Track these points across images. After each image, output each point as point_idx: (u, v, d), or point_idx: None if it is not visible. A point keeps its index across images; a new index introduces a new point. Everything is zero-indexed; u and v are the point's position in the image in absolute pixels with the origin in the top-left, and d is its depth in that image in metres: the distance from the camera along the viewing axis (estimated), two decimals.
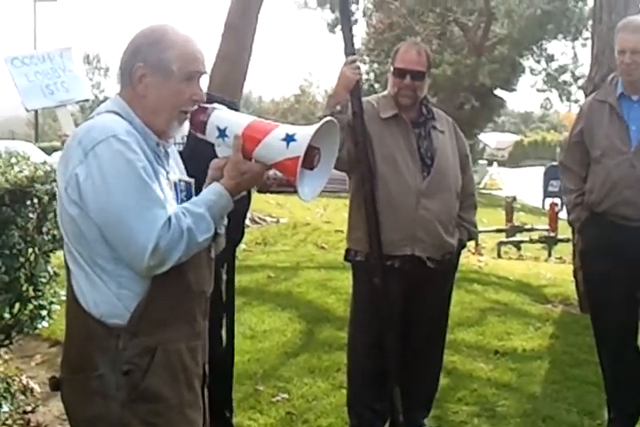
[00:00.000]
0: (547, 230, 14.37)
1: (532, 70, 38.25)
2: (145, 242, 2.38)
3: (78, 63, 5.45)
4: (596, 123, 4.63)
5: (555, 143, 58.24)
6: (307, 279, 8.78)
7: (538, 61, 38.03)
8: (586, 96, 6.92)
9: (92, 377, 2.51)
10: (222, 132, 2.60)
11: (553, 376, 5.86)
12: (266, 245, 12.17)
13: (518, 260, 13.11)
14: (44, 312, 4.89)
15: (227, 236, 2.83)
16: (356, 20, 34.97)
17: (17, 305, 4.73)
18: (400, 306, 4.38)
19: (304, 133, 2.48)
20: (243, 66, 12.22)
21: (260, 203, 14.95)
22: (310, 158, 2.52)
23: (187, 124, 2.68)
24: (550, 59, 37.93)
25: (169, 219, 2.41)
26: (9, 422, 4.73)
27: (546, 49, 37.58)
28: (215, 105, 2.69)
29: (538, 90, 40.14)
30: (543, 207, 20.86)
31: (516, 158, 63.96)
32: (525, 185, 31.83)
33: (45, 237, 4.74)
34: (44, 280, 4.80)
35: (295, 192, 2.56)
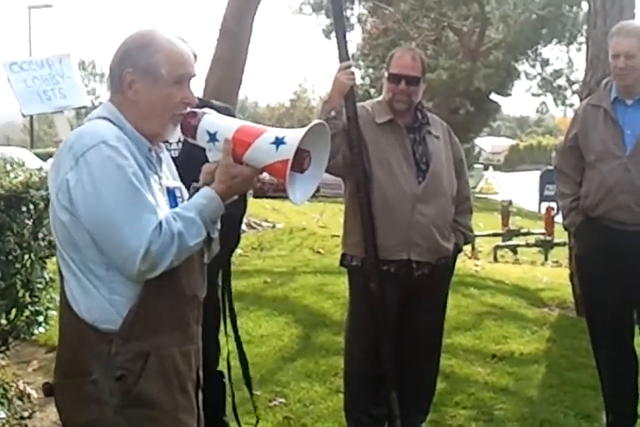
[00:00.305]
0: (543, 234, 14.38)
1: (527, 75, 38.31)
2: (136, 247, 2.38)
3: (76, 70, 5.46)
4: (590, 127, 4.64)
5: (550, 147, 58.23)
6: (303, 284, 8.76)
7: (533, 66, 38.10)
8: (581, 101, 6.92)
9: (86, 383, 2.51)
10: (213, 137, 2.60)
11: (550, 380, 5.86)
12: (262, 250, 12.16)
13: (515, 264, 13.10)
14: (40, 318, 4.90)
15: (221, 241, 2.83)
16: (352, 26, 35.02)
17: (13, 311, 4.74)
18: (396, 311, 4.38)
19: (293, 136, 2.49)
20: (238, 71, 12.22)
21: (257, 208, 14.95)
22: (300, 161, 2.53)
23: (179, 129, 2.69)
24: (545, 63, 38.01)
25: (160, 223, 2.42)
26: None
27: (541, 54, 37.67)
28: (205, 109, 2.69)
29: (533, 94, 40.20)
30: (539, 211, 20.88)
31: (512, 163, 63.92)
32: (521, 189, 31.87)
33: (41, 243, 4.74)
34: (40, 286, 4.81)
35: None
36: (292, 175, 2.51)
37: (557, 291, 8.82)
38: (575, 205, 4.71)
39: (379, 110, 4.43)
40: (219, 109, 3.76)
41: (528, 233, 15.08)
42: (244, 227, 11.96)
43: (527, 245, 14.44)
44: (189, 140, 2.68)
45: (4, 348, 4.95)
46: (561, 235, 12.45)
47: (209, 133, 2.61)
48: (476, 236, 13.55)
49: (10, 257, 4.55)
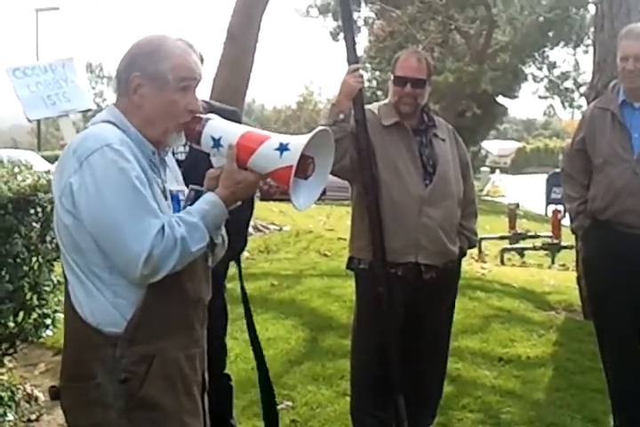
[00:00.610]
0: (550, 237, 14.34)
1: (534, 77, 38.32)
2: (138, 251, 2.39)
3: (80, 73, 5.48)
4: (598, 130, 4.64)
5: (557, 150, 58.20)
6: (310, 287, 8.77)
7: (540, 68, 38.09)
8: (588, 103, 6.92)
9: (90, 386, 2.52)
10: (217, 142, 2.60)
11: (557, 383, 5.85)
12: (269, 253, 12.16)
13: (521, 267, 13.08)
14: (48, 321, 4.90)
15: (227, 244, 2.84)
16: (359, 29, 35.01)
17: (21, 314, 4.74)
18: (403, 314, 4.37)
19: (297, 143, 2.49)
20: (245, 74, 12.23)
21: (263, 211, 14.95)
22: (304, 168, 2.53)
23: None
24: (552, 66, 37.98)
25: (162, 228, 2.42)
26: None
27: (548, 56, 37.66)
28: (209, 115, 2.70)
29: (540, 97, 40.21)
30: (546, 214, 20.79)
31: (519, 165, 63.90)
32: (528, 192, 31.79)
33: (49, 246, 4.75)
34: (47, 289, 4.82)
35: None
36: (296, 181, 2.52)
37: (564, 294, 8.81)
38: (583, 208, 4.70)
39: (385, 113, 4.43)
40: (225, 112, 3.79)
41: (535, 236, 15.04)
42: (250, 230, 11.95)
43: (534, 248, 14.41)
44: (194, 145, 2.69)
45: (11, 350, 4.95)
46: (568, 238, 12.43)
47: (213, 139, 2.61)
48: (483, 239, 13.57)
49: (17, 260, 4.56)
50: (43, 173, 4.85)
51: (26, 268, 4.66)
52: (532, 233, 15.31)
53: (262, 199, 16.82)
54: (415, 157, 4.36)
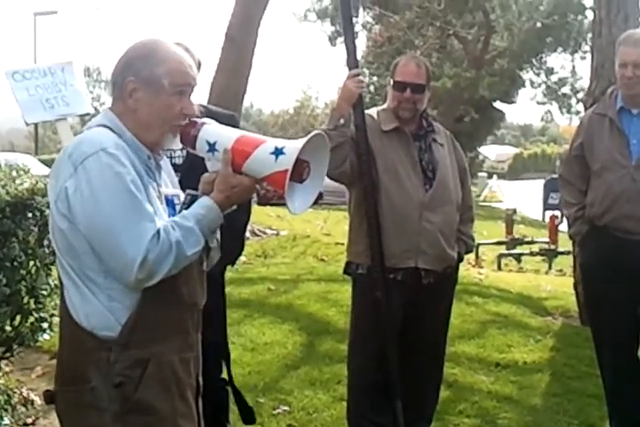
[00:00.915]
0: (547, 243, 14.35)
1: (531, 83, 38.33)
2: (133, 255, 2.39)
3: (78, 76, 5.48)
4: (596, 136, 4.64)
5: (555, 156, 58.24)
6: (307, 292, 8.77)
7: (537, 74, 38.10)
8: (586, 109, 6.92)
9: (85, 390, 2.51)
10: (212, 147, 2.60)
11: (554, 389, 5.85)
12: (266, 258, 12.16)
13: (519, 272, 13.10)
14: (45, 325, 4.90)
15: (224, 249, 2.83)
16: (356, 34, 34.98)
17: (18, 317, 4.74)
18: (400, 319, 4.37)
19: (292, 147, 2.49)
20: (243, 78, 12.23)
21: (260, 215, 14.95)
22: (299, 172, 2.53)
23: None
24: (550, 72, 37.99)
25: (158, 232, 2.42)
26: None
27: (545, 62, 37.67)
28: (205, 119, 2.70)
29: (538, 102, 40.20)
30: (543, 220, 20.85)
31: (516, 171, 63.95)
32: (525, 197, 31.81)
33: (46, 250, 4.74)
34: (45, 293, 4.81)
35: None
36: (292, 185, 2.52)
37: (561, 300, 8.83)
38: (581, 214, 4.71)
39: (384, 118, 4.43)
40: (223, 117, 3.79)
41: (532, 242, 15.05)
42: (247, 234, 11.95)
43: (531, 254, 14.41)
44: (189, 150, 2.69)
45: (8, 354, 4.94)
46: (565, 243, 12.45)
47: (208, 143, 2.61)
48: (480, 244, 13.56)
49: (15, 263, 4.55)
50: (40, 177, 4.84)
51: (23, 271, 4.66)
52: (530, 239, 15.32)
53: (259, 204, 16.82)
54: (415, 162, 4.36)
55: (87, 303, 2.51)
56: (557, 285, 10.11)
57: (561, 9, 32.57)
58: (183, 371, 2.64)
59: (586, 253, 4.94)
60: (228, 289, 4.47)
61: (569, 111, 38.54)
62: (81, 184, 2.43)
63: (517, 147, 77.54)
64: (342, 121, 4.20)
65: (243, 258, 10.24)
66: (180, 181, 2.92)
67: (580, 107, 33.40)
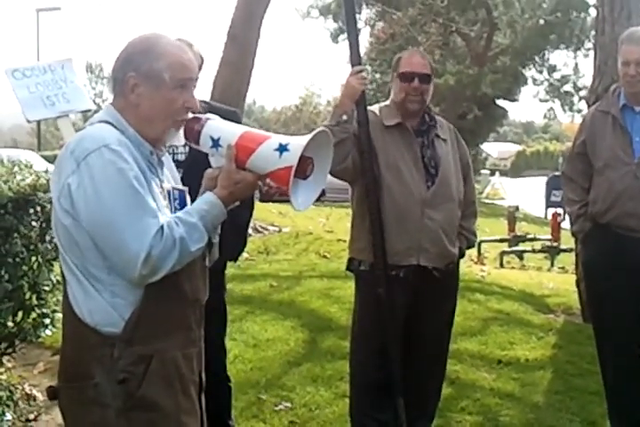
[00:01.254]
0: (549, 240, 14.35)
1: (534, 80, 38.29)
2: (137, 251, 2.39)
3: (80, 73, 5.47)
4: (598, 134, 4.63)
5: (557, 153, 58.24)
6: (309, 288, 8.77)
7: (540, 72, 38.07)
8: (588, 107, 6.91)
9: (88, 386, 2.52)
10: (216, 142, 2.60)
11: (556, 386, 5.84)
12: (268, 254, 12.15)
13: (521, 269, 13.08)
14: (47, 320, 4.90)
15: (227, 245, 2.83)
16: (359, 30, 34.94)
17: (20, 313, 4.74)
18: (403, 316, 4.37)
19: (297, 143, 2.49)
20: (245, 75, 12.24)
21: (263, 212, 14.94)
22: (303, 168, 2.53)
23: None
24: (552, 69, 37.98)
25: (161, 228, 2.42)
26: None
27: (548, 59, 37.66)
28: (209, 115, 2.70)
29: (540, 100, 40.18)
30: (545, 217, 20.85)
31: (519, 168, 64.03)
32: (528, 195, 31.84)
33: (48, 246, 4.75)
34: (47, 289, 4.81)
35: None
36: (295, 182, 2.52)
37: (563, 297, 8.82)
38: (583, 211, 4.70)
39: (387, 114, 4.41)
40: (225, 113, 3.79)
41: (534, 239, 15.05)
42: (250, 231, 11.94)
43: (533, 251, 14.41)
44: (192, 145, 2.69)
45: (10, 350, 4.95)
46: (567, 241, 12.46)
47: (212, 139, 2.61)
48: (483, 241, 13.57)
49: (17, 259, 4.56)
50: (42, 173, 4.84)
51: (25, 267, 4.66)
52: (532, 236, 15.33)
53: (262, 201, 16.80)
54: (417, 158, 4.34)
55: (90, 299, 2.51)
56: (560, 282, 10.10)
57: (564, 6, 32.53)
58: (186, 367, 2.64)
59: (588, 250, 4.94)
60: (230, 286, 4.48)
61: (571, 109, 38.56)
62: (84, 180, 2.42)
63: (520, 144, 77.65)
64: (345, 117, 4.18)
65: (245, 254, 10.24)
66: (183, 178, 2.91)
67: (583, 104, 33.46)
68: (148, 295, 2.50)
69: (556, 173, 18.56)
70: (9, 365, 5.51)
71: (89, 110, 5.56)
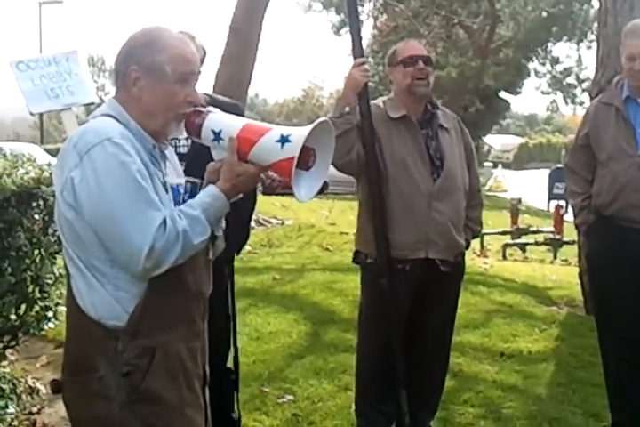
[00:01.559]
0: (552, 233, 14.36)
1: (536, 73, 38.27)
2: (140, 244, 2.39)
3: (83, 66, 5.46)
4: (602, 126, 4.62)
5: (560, 146, 58.23)
6: (312, 281, 8.78)
7: (543, 64, 38.04)
8: (591, 99, 6.90)
9: (93, 379, 2.52)
10: (217, 135, 2.60)
11: (558, 378, 5.85)
12: (271, 247, 12.17)
13: (524, 262, 13.09)
14: (49, 313, 4.91)
15: (230, 238, 2.83)
16: (361, 22, 34.91)
17: (23, 306, 4.75)
18: (408, 308, 4.37)
19: (298, 134, 2.48)
20: (247, 68, 12.23)
21: (266, 205, 14.96)
22: (306, 159, 2.53)
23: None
24: (555, 61, 37.93)
25: (164, 221, 2.42)
26: (15, 423, 4.74)
27: (551, 51, 37.63)
28: (210, 108, 2.69)
29: (543, 92, 40.16)
30: (548, 209, 20.86)
31: (521, 161, 64.01)
32: (530, 187, 31.83)
33: (51, 239, 4.75)
34: (49, 282, 4.82)
35: None
36: (298, 173, 2.51)
37: (566, 289, 8.83)
38: (587, 203, 4.69)
39: (391, 106, 4.39)
40: (227, 106, 3.79)
41: (537, 231, 15.06)
42: (252, 224, 11.97)
43: (536, 244, 14.42)
44: (194, 139, 2.68)
45: (13, 343, 4.95)
46: (570, 233, 12.46)
47: (213, 132, 2.60)
48: (485, 234, 13.57)
49: (20, 252, 4.56)
50: (45, 166, 4.84)
51: (28, 260, 4.66)
52: (534, 228, 15.34)
53: (264, 193, 16.80)
54: (423, 151, 4.32)
55: (94, 293, 2.51)
56: (562, 274, 10.11)
57: None
58: (190, 360, 2.65)
59: (592, 242, 4.93)
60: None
61: (574, 101, 38.52)
62: (87, 174, 2.42)
63: (522, 137, 77.58)
64: (347, 109, 4.17)
65: (248, 247, 10.25)
66: (185, 170, 2.91)
67: (586, 96, 33.33)
68: (152, 288, 2.50)
69: (559, 166, 18.56)
70: (12, 358, 5.52)
71: (92, 103, 5.55)
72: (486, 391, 5.49)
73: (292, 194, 2.54)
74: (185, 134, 2.72)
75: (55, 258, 4.83)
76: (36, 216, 4.65)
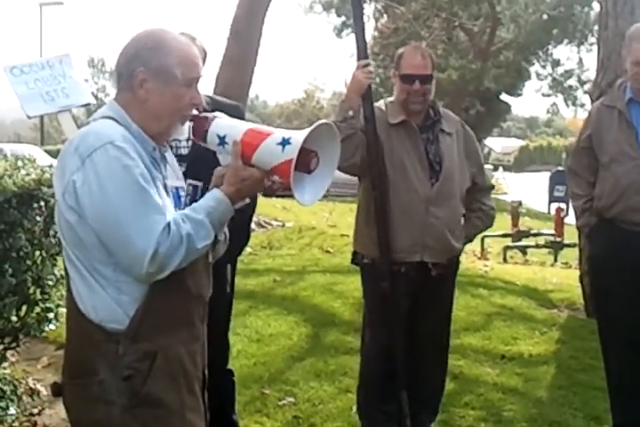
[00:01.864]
0: (552, 235, 14.36)
1: (537, 75, 38.23)
2: (144, 248, 2.38)
3: (81, 68, 5.47)
4: (604, 128, 4.61)
5: (560, 148, 58.23)
6: (312, 283, 8.78)
7: (543, 66, 38.01)
8: (592, 101, 6.90)
9: (93, 382, 2.51)
10: (222, 140, 2.60)
11: (559, 381, 5.84)
12: (271, 249, 12.17)
13: (524, 265, 13.09)
14: (50, 315, 4.90)
15: (230, 240, 2.83)
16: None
17: (24, 308, 4.74)
18: (406, 309, 4.37)
19: (298, 136, 2.48)
20: (248, 70, 12.24)
21: (266, 207, 14.96)
22: (306, 161, 2.52)
23: (187, 127, 2.69)
24: (556, 64, 37.90)
25: (168, 225, 2.41)
26: (15, 424, 4.74)
27: (551, 54, 37.57)
28: (216, 113, 2.70)
29: (543, 95, 40.11)
30: (549, 212, 20.86)
31: (522, 163, 64.00)
32: (531, 190, 31.82)
33: (52, 240, 4.74)
34: (50, 283, 4.81)
35: None
36: (301, 176, 2.51)
37: (567, 292, 8.83)
38: (589, 205, 4.69)
39: (392, 110, 4.39)
40: (228, 107, 3.79)
41: (538, 234, 15.06)
42: (253, 226, 11.96)
43: (537, 246, 14.42)
44: (201, 143, 2.68)
45: (14, 344, 4.94)
46: (571, 236, 12.45)
47: (218, 137, 2.61)
48: (486, 236, 13.56)
49: (21, 254, 4.55)
50: (46, 168, 4.84)
51: (29, 262, 4.66)
52: (535, 231, 15.34)
53: (265, 195, 16.74)
54: (422, 155, 4.33)
55: (95, 296, 2.50)
56: (563, 277, 10.10)
57: (567, 1, 32.51)
58: (190, 363, 2.64)
59: (594, 245, 4.93)
60: None
61: (574, 104, 38.48)
62: (89, 177, 2.41)
63: (523, 139, 77.59)
64: (351, 113, 4.17)
65: (248, 249, 10.25)
66: (186, 172, 2.91)
67: (586, 99, 33.29)
68: (152, 292, 2.50)
69: (560, 168, 18.57)
70: (13, 359, 5.51)
71: (89, 104, 5.55)
72: (487, 394, 5.49)
73: (292, 196, 2.54)
74: (186, 136, 2.73)
75: (56, 259, 4.82)
76: (37, 217, 4.64)
